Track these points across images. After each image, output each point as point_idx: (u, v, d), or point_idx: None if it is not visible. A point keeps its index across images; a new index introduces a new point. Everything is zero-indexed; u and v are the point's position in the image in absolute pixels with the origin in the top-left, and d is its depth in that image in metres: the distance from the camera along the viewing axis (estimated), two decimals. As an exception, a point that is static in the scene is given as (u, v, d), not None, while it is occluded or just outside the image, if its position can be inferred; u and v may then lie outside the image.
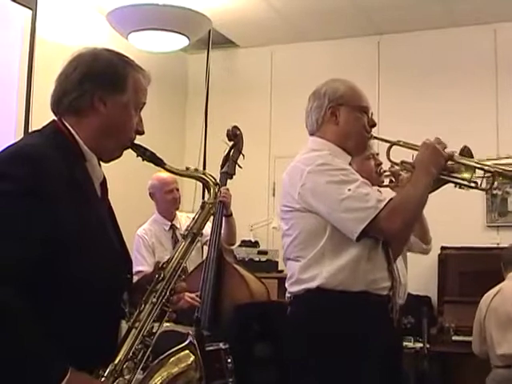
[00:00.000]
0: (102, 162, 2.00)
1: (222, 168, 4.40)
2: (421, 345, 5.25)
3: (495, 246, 6.14)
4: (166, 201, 4.70)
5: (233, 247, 4.71)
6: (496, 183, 2.78)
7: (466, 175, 2.71)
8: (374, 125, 2.84)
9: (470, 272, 5.85)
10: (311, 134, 2.85)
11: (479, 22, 6.38)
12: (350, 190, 2.57)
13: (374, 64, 6.78)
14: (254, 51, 7.21)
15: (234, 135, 4.40)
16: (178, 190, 4.75)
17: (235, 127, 4.41)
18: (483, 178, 2.71)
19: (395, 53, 6.78)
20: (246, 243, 6.34)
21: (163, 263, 1.97)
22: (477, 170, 2.70)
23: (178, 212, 4.79)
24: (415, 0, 6.03)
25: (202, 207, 2.06)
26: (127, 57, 2.00)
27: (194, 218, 2.05)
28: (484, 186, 2.71)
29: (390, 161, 2.97)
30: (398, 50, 6.77)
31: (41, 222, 1.70)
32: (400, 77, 6.68)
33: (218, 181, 2.13)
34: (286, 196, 2.73)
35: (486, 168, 2.69)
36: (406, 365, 4.96)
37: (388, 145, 2.92)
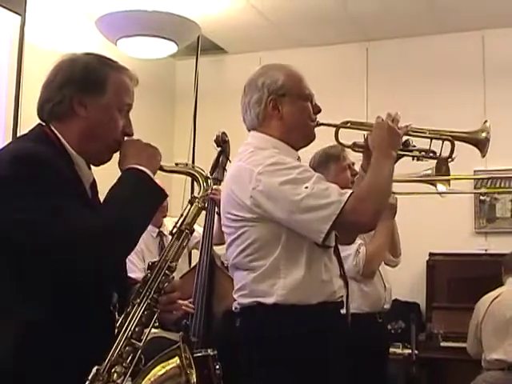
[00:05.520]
0: (94, 167, 1.99)
1: (211, 174, 4.38)
2: (409, 351, 5.25)
3: (483, 252, 6.15)
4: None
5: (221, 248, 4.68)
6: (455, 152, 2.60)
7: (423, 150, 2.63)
8: (319, 111, 2.62)
9: (458, 278, 5.86)
10: (251, 129, 2.66)
11: (467, 29, 6.41)
12: (307, 187, 2.33)
13: (362, 70, 6.78)
14: (243, 57, 7.18)
15: (223, 141, 4.39)
16: (164, 197, 4.74)
17: (224, 133, 4.40)
18: (442, 146, 2.60)
19: (384, 59, 6.79)
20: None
21: (153, 263, 1.95)
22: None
23: (165, 219, 4.79)
24: (403, 6, 6.04)
25: (191, 202, 2.01)
26: (108, 58, 1.98)
27: (182, 215, 1.99)
28: (445, 154, 2.58)
29: (341, 143, 2.74)
30: (387, 57, 6.78)
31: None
32: (388, 83, 6.69)
33: (208, 174, 2.07)
34: (231, 202, 2.49)
35: (444, 137, 2.60)
36: (394, 371, 4.97)
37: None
